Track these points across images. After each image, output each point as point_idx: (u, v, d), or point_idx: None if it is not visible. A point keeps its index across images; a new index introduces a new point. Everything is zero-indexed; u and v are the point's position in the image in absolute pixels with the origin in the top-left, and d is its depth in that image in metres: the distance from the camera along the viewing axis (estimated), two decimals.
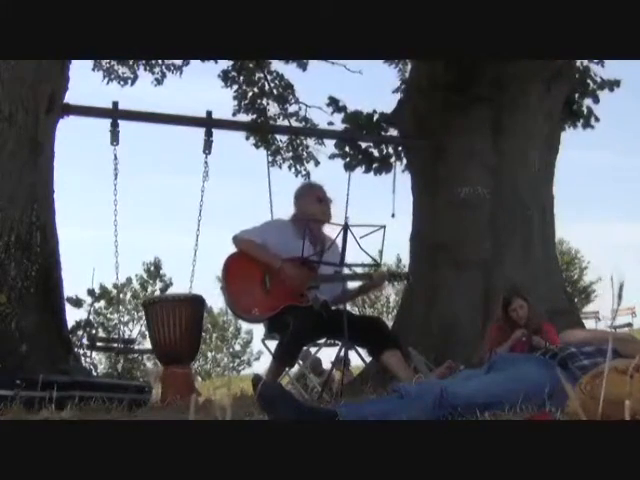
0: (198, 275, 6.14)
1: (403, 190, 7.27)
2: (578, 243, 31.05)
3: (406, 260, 7.94)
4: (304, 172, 9.14)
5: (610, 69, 8.02)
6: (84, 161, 40.02)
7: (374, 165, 7.77)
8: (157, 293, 24.37)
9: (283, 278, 4.32)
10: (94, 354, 7.49)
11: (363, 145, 7.77)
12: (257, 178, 8.81)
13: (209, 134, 6.36)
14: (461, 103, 6.79)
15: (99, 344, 7.50)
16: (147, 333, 5.53)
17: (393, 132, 7.78)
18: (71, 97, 5.75)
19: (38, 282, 4.94)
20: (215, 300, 30.58)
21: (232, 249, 4.50)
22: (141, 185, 41.88)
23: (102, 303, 20.92)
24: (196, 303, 5.25)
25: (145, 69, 9.14)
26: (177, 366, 4.97)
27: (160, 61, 9.00)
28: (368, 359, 4.98)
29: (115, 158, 5.90)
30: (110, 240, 5.94)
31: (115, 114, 6.05)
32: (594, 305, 27.09)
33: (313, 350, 5.39)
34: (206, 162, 6.24)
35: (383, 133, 7.85)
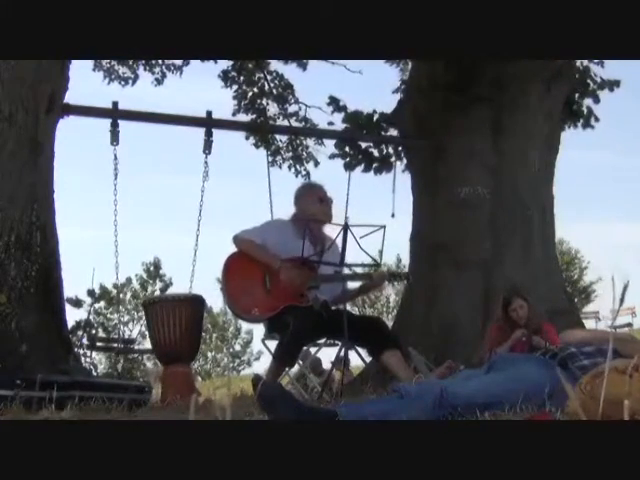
0: (198, 275, 6.15)
1: (403, 190, 7.28)
2: (578, 243, 31.08)
3: (406, 260, 7.95)
4: (304, 172, 9.16)
5: (610, 69, 8.03)
6: (84, 161, 40.05)
7: (374, 165, 7.77)
8: (157, 293, 24.37)
9: (282, 278, 4.32)
10: (94, 354, 7.50)
11: (363, 145, 7.77)
12: (257, 178, 8.82)
13: (209, 134, 6.36)
14: (461, 103, 6.79)
15: (99, 344, 7.51)
16: (147, 333, 5.54)
17: (393, 132, 7.78)
18: (71, 97, 5.76)
19: (38, 282, 4.94)
20: (215, 300, 30.61)
21: (232, 249, 4.50)
22: (141, 185, 41.91)
23: (102, 303, 20.94)
24: (196, 303, 5.25)
25: (145, 69, 9.15)
26: (177, 366, 4.97)
27: (160, 61, 9.01)
28: (368, 359, 4.98)
29: (115, 158, 5.91)
30: (110, 240, 5.95)
31: (115, 114, 6.04)
32: (594, 305, 27.12)
33: (313, 350, 5.39)
34: (206, 162, 6.25)
35: (383, 133, 7.85)
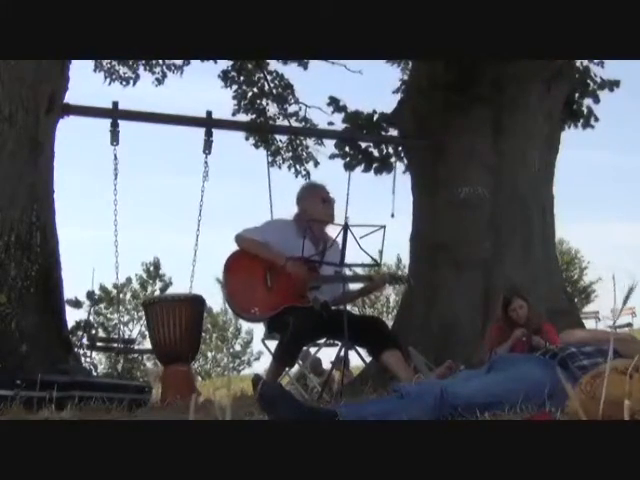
0: (198, 275, 6.14)
1: (403, 190, 7.28)
2: (578, 243, 31.09)
3: (406, 260, 7.95)
4: (304, 172, 9.17)
5: (610, 69, 8.03)
6: (84, 161, 40.03)
7: (374, 165, 7.78)
8: (157, 293, 24.38)
9: (289, 271, 4.31)
10: (94, 354, 7.49)
11: (363, 145, 7.77)
12: (257, 178, 8.81)
13: (209, 134, 6.36)
14: (461, 103, 6.79)
15: (99, 344, 7.50)
16: (147, 333, 5.53)
17: (393, 132, 7.78)
18: (71, 97, 5.76)
19: (38, 282, 4.94)
20: (215, 300, 30.58)
21: (232, 249, 4.50)
22: (141, 185, 41.90)
23: (102, 303, 20.94)
24: (196, 303, 5.25)
25: (145, 69, 9.16)
26: (177, 366, 4.97)
27: (161, 61, 9.02)
28: (368, 359, 4.98)
29: (115, 158, 5.90)
30: (110, 240, 5.94)
31: (115, 114, 6.04)
32: (594, 305, 27.14)
33: (313, 350, 5.39)
34: (206, 162, 6.24)
35: (383, 133, 7.85)
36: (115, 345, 7.68)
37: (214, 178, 6.27)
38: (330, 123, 7.97)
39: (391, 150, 7.81)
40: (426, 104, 7.02)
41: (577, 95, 7.73)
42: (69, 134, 6.42)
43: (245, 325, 30.24)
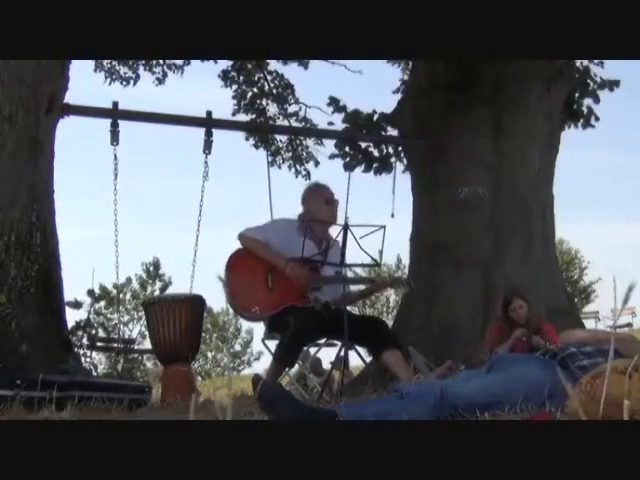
0: (198, 275, 6.14)
1: (403, 190, 7.28)
2: (578, 243, 31.10)
3: (406, 260, 7.94)
4: (304, 172, 9.17)
5: (610, 69, 8.03)
6: (84, 161, 40.05)
7: (374, 165, 7.77)
8: (157, 293, 24.40)
9: (288, 275, 4.31)
10: (94, 354, 7.49)
11: (363, 145, 7.77)
12: (257, 178, 8.80)
13: (209, 134, 6.36)
14: (461, 103, 6.79)
15: (99, 344, 7.50)
16: (147, 333, 5.53)
17: (393, 132, 7.78)
18: (71, 97, 5.76)
19: (38, 282, 4.94)
20: (215, 300, 30.59)
21: (232, 249, 4.51)
22: (141, 185, 41.95)
23: (102, 303, 20.95)
24: (196, 303, 5.24)
25: (145, 69, 9.16)
26: (177, 366, 4.97)
27: (161, 61, 9.02)
28: (368, 359, 4.98)
29: (115, 158, 5.90)
30: (110, 240, 5.93)
31: (115, 114, 6.04)
32: (594, 305, 27.15)
33: (313, 350, 5.39)
34: (206, 162, 6.24)
35: (383, 133, 7.85)
36: (115, 345, 7.69)
37: (214, 178, 6.28)
38: (330, 123, 7.98)
39: (391, 150, 7.81)
40: (426, 104, 7.02)
41: (577, 95, 7.73)
42: (69, 134, 6.43)
43: (245, 325, 30.29)
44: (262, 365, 26.96)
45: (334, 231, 4.45)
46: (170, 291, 23.72)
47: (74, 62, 5.63)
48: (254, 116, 9.08)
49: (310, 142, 9.08)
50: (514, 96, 6.79)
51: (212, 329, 30.57)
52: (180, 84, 11.92)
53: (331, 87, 30.97)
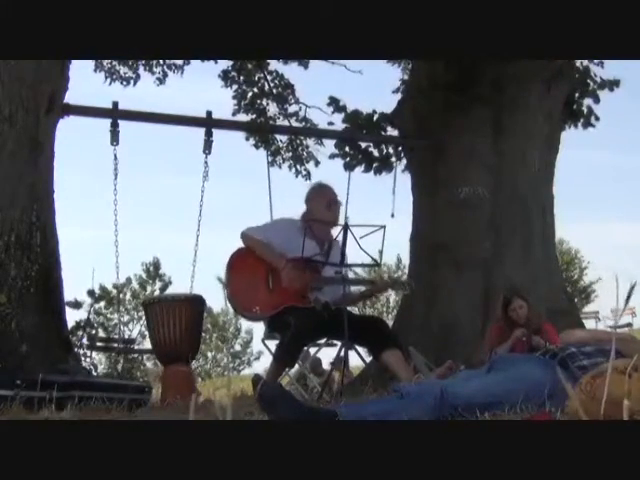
0: (198, 275, 6.14)
1: (403, 190, 7.28)
2: (578, 243, 31.10)
3: (406, 260, 7.94)
4: (304, 172, 9.16)
5: (610, 69, 8.03)
6: (84, 161, 40.05)
7: (374, 165, 7.77)
8: (157, 293, 24.39)
9: (283, 279, 4.32)
10: (94, 354, 7.50)
11: (363, 145, 7.77)
12: (257, 178, 8.81)
13: (209, 134, 6.36)
14: (461, 103, 6.79)
15: (99, 344, 7.51)
16: (147, 333, 5.53)
17: (393, 132, 7.78)
18: (71, 97, 5.76)
19: (38, 282, 4.94)
20: (215, 300, 30.58)
21: (232, 248, 4.51)
22: (141, 185, 41.95)
23: (102, 303, 20.95)
24: (196, 303, 5.24)
25: (145, 69, 9.16)
26: (177, 366, 4.97)
27: (161, 61, 9.02)
28: (368, 359, 4.98)
29: (115, 158, 5.90)
30: (110, 240, 5.94)
31: (115, 114, 6.04)
32: (594, 305, 27.16)
33: (313, 350, 5.39)
34: (206, 162, 6.24)
35: (383, 133, 7.85)
36: (115, 345, 7.68)
37: (214, 178, 6.28)
38: (330, 123, 7.98)
39: (391, 150, 7.81)
40: (426, 104, 7.02)
41: (577, 95, 7.73)
42: (69, 134, 6.43)
43: (245, 325, 30.28)
44: (262, 365, 26.96)
45: (334, 231, 4.45)
46: (170, 291, 23.72)
47: (74, 62, 5.64)
48: (254, 116, 9.08)
49: (310, 142, 9.08)
50: (514, 96, 6.79)
51: (212, 329, 30.55)
52: (180, 84, 11.93)
53: (331, 87, 31.02)
